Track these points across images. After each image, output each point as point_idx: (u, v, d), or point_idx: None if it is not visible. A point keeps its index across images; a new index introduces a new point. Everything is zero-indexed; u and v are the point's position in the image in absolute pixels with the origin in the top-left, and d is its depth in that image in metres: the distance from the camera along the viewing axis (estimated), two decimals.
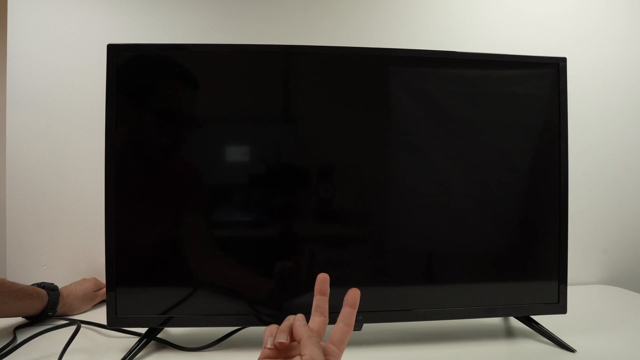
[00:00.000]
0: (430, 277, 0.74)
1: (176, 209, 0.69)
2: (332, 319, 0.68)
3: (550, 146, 0.74)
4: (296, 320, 0.43)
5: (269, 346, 0.42)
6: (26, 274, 0.95)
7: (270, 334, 0.43)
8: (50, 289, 0.80)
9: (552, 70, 0.73)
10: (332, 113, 0.71)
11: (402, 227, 0.72)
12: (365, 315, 0.69)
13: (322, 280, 0.48)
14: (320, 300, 0.47)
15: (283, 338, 0.42)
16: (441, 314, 0.72)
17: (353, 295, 0.47)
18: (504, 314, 0.78)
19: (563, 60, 0.74)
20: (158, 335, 0.70)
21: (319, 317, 0.47)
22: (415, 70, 0.72)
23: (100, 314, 0.79)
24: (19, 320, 0.79)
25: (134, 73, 0.67)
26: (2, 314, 0.74)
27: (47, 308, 0.78)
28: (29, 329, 0.75)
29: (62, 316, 0.82)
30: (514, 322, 0.81)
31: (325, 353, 0.42)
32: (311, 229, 0.70)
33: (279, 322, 0.44)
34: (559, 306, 0.73)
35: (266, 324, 0.69)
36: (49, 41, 0.97)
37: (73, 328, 0.70)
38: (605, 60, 1.11)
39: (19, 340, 0.68)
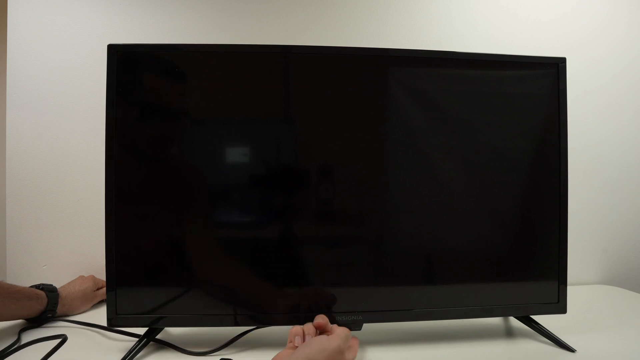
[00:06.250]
0: (430, 277, 0.74)
1: (176, 209, 0.69)
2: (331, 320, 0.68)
3: (550, 146, 0.73)
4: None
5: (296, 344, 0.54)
6: (26, 274, 0.95)
7: (296, 333, 0.55)
8: (49, 291, 0.79)
9: (552, 70, 0.73)
10: (332, 113, 0.71)
11: (402, 227, 0.72)
12: (365, 315, 0.69)
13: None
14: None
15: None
16: (441, 314, 0.72)
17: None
18: (504, 314, 0.78)
19: (562, 60, 0.73)
20: (158, 336, 0.70)
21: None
22: (414, 70, 0.72)
23: (100, 314, 0.79)
24: (22, 322, 0.79)
25: (134, 73, 0.67)
26: (1, 317, 0.73)
27: (46, 310, 0.78)
28: (29, 331, 0.75)
29: (62, 317, 0.82)
30: (514, 322, 0.81)
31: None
32: (311, 229, 0.70)
33: (278, 323, 0.44)
34: (559, 306, 0.73)
35: (265, 324, 0.69)
36: (49, 41, 0.98)
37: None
38: (605, 60, 1.11)
39: (20, 342, 0.68)
